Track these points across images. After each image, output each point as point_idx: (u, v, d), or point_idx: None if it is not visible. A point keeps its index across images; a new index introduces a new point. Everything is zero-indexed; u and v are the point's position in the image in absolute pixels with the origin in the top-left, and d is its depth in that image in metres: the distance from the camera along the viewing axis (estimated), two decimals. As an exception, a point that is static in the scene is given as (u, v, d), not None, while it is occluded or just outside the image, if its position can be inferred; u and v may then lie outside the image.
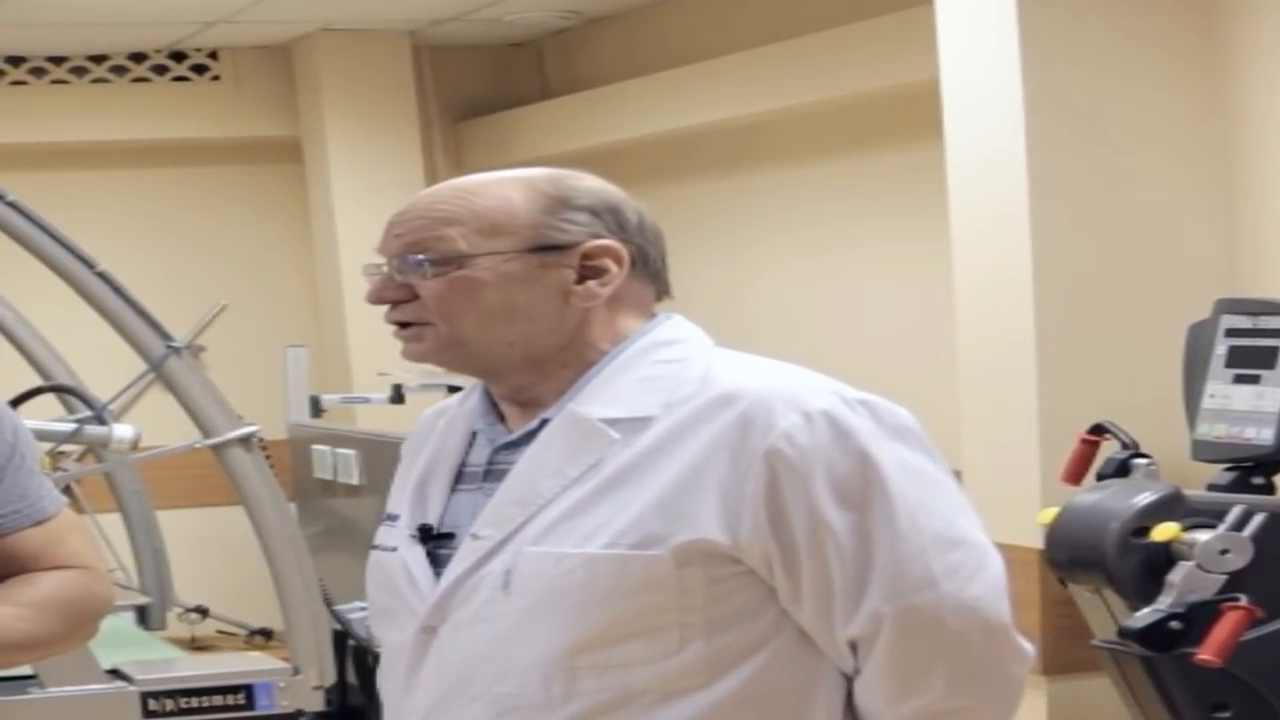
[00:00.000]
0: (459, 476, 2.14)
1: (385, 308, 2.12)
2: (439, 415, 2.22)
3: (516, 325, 2.05)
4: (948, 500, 2.03)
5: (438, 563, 2.09)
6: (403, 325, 2.09)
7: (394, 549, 2.14)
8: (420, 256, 2.05)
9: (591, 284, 2.06)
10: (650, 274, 2.11)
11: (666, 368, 2.06)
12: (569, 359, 2.08)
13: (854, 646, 2.01)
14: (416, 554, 2.11)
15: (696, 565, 1.97)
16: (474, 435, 2.15)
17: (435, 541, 2.11)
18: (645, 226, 2.11)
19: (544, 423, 2.07)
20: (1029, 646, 2.05)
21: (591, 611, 1.98)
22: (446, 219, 2.06)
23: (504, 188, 2.08)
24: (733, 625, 2.00)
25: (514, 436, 2.10)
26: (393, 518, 2.18)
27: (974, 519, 2.04)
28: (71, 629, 2.46)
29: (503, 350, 2.06)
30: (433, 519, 2.12)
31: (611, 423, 2.03)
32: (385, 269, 2.09)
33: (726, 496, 1.97)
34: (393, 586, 2.13)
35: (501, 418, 2.13)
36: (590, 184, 2.10)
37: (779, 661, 2.01)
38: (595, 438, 2.03)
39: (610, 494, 2.01)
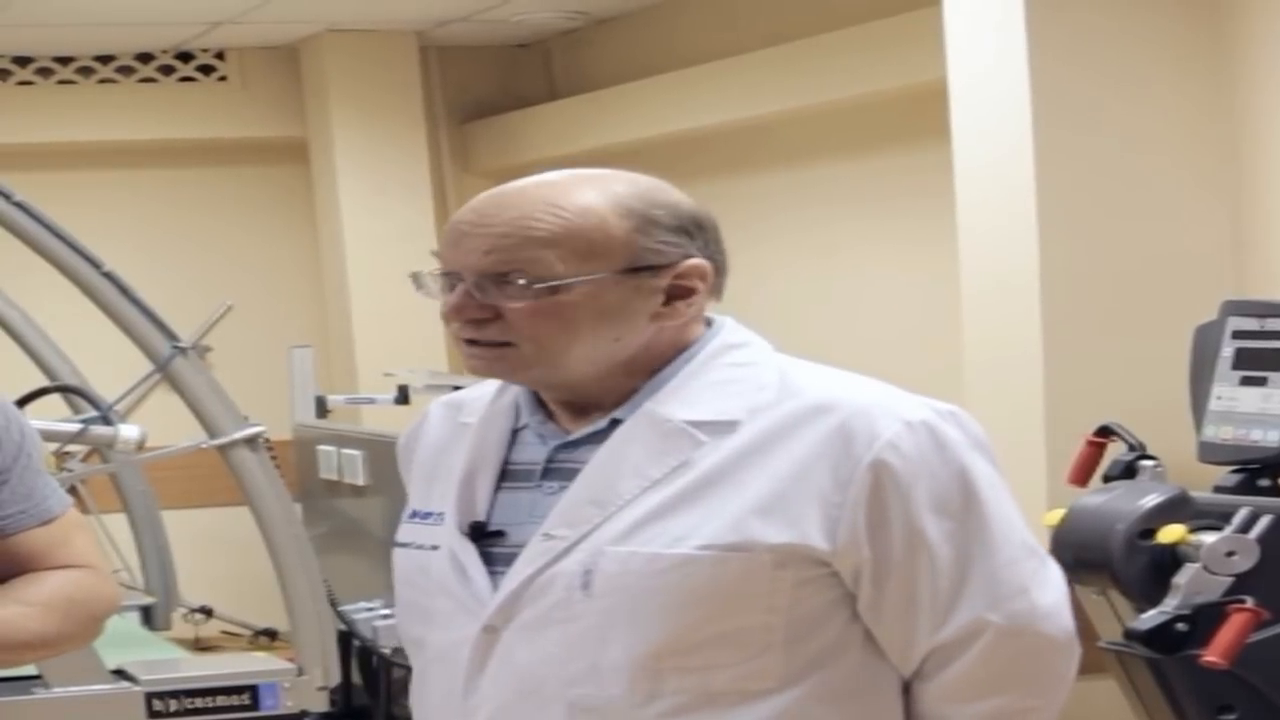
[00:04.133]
0: (503, 474, 2.09)
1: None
2: (455, 410, 2.17)
3: (602, 346, 2.01)
4: (1016, 512, 2.07)
5: (490, 562, 2.05)
6: (473, 342, 2.03)
7: (435, 547, 2.09)
8: (521, 280, 1.98)
9: (679, 304, 2.04)
10: (718, 285, 2.09)
11: (739, 371, 2.05)
12: (633, 369, 2.05)
13: (932, 653, 2.02)
14: (470, 552, 2.06)
15: (791, 568, 1.97)
16: (513, 433, 2.10)
17: (484, 540, 2.06)
18: (719, 238, 2.10)
19: (613, 423, 2.04)
20: (1078, 647, 2.09)
21: (681, 613, 1.96)
22: (543, 239, 1.99)
23: (594, 202, 2.01)
24: (811, 628, 2.00)
25: (577, 436, 2.06)
26: (423, 515, 2.12)
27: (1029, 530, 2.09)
28: (78, 628, 2.46)
29: (580, 368, 2.02)
30: (480, 517, 2.07)
31: (696, 425, 2.01)
32: (463, 284, 2.01)
33: (826, 503, 1.97)
34: (438, 586, 2.07)
35: (549, 415, 2.09)
36: (676, 199, 2.06)
37: (849, 665, 2.02)
38: (680, 440, 2.01)
39: (701, 496, 1.99)
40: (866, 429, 1.98)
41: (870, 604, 2.00)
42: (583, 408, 2.07)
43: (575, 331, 2.00)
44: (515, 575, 2.02)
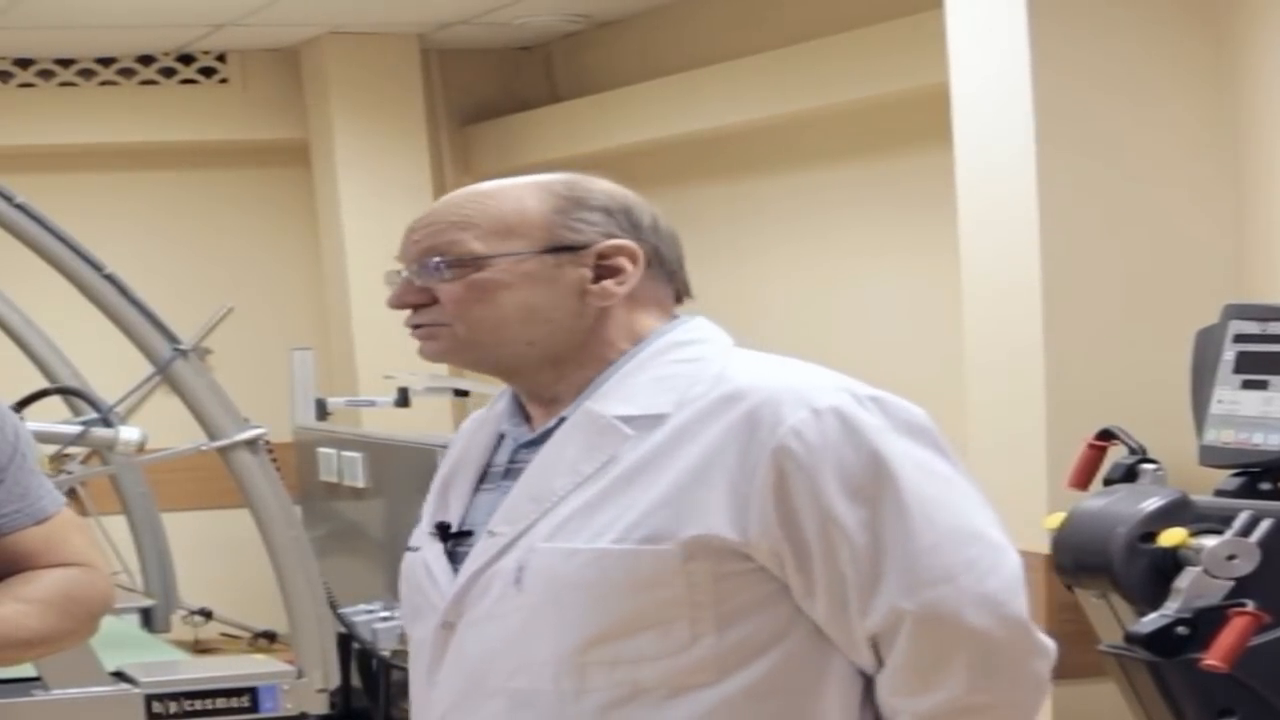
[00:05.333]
0: (483, 476, 2.16)
1: (392, 311, 2.14)
2: (477, 422, 2.24)
3: (534, 326, 2.07)
4: (962, 496, 2.03)
5: (457, 560, 2.11)
6: (418, 326, 2.11)
7: (418, 549, 2.17)
8: (437, 259, 2.06)
9: (608, 283, 2.08)
10: (667, 274, 2.13)
11: (683, 367, 2.08)
12: (587, 359, 2.09)
13: (874, 642, 2.01)
14: (435, 551, 2.13)
15: (704, 560, 1.98)
16: (500, 437, 2.17)
17: (455, 540, 2.13)
18: (659, 228, 2.13)
19: (561, 421, 2.09)
20: (1050, 643, 2.05)
21: (602, 607, 2.00)
22: (461, 223, 2.08)
23: (518, 190, 2.10)
24: (743, 621, 2.00)
25: (533, 435, 2.12)
26: (420, 519, 2.21)
27: (990, 516, 2.05)
28: (74, 625, 2.48)
29: (521, 350, 2.08)
30: (454, 518, 2.14)
31: (626, 420, 2.05)
32: (404, 275, 2.11)
33: (734, 493, 1.98)
34: (417, 585, 2.16)
35: (528, 418, 2.15)
36: (603, 186, 2.13)
37: (791, 659, 2.02)
38: (610, 435, 2.05)
39: (622, 490, 2.02)
40: (771, 416, 1.99)
41: (803, 593, 2.00)
42: (549, 404, 2.12)
43: (501, 310, 2.06)
44: (464, 572, 2.09)
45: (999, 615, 1.99)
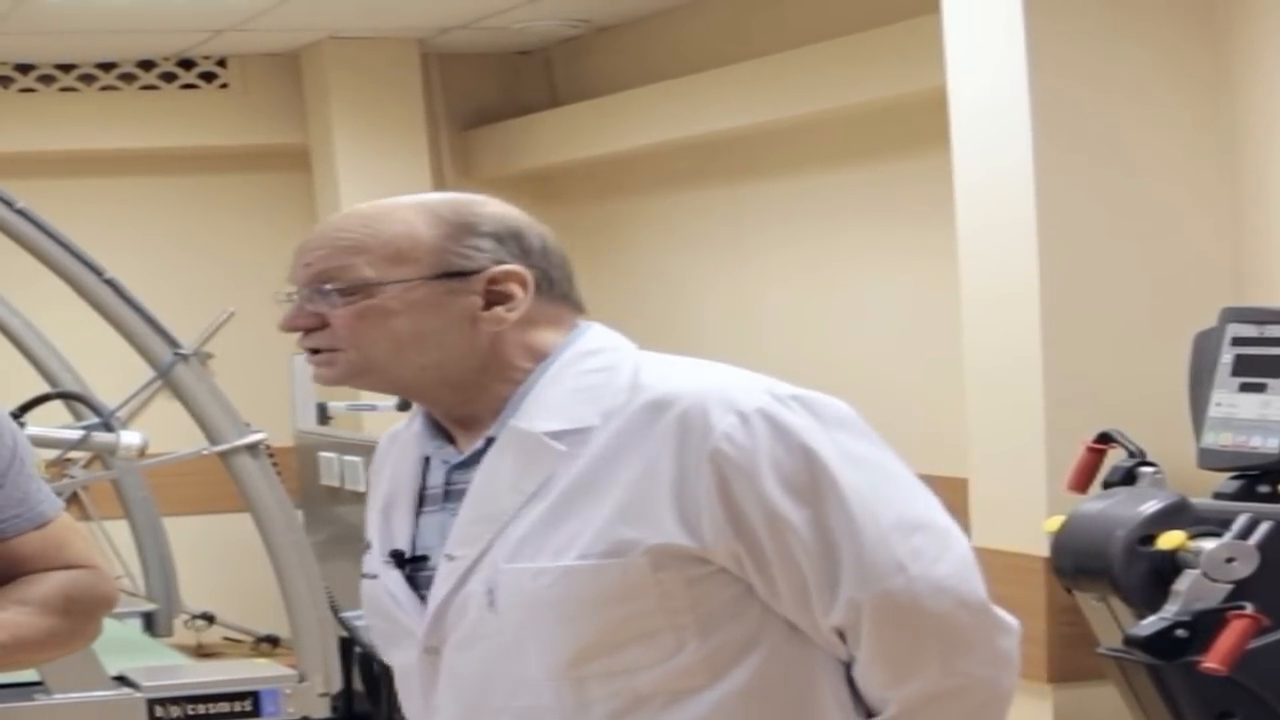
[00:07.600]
0: (422, 500, 2.15)
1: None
2: (392, 442, 2.23)
3: (427, 351, 2.06)
4: (899, 486, 2.05)
5: (418, 585, 2.11)
6: (314, 351, 2.10)
7: (375, 576, 2.17)
8: (328, 286, 2.06)
9: (499, 309, 2.07)
10: (559, 295, 2.12)
11: (595, 377, 2.07)
12: (489, 380, 2.09)
13: (841, 635, 2.03)
14: (396, 578, 2.13)
15: (672, 568, 1.99)
16: (427, 459, 2.16)
17: (411, 565, 2.12)
18: (549, 250, 2.12)
19: (489, 441, 2.08)
20: (1012, 619, 2.07)
21: (581, 622, 2.00)
22: (352, 247, 2.07)
23: (406, 214, 2.09)
24: (723, 623, 2.01)
25: (464, 457, 2.11)
26: (368, 545, 2.21)
27: (931, 501, 2.06)
28: (78, 626, 2.49)
29: (415, 373, 2.08)
30: (403, 543, 2.14)
31: (555, 435, 2.04)
32: (296, 298, 2.10)
33: (681, 499, 1.99)
34: (382, 612, 2.15)
35: (450, 438, 2.14)
36: (492, 210, 2.11)
37: (777, 655, 2.03)
38: (542, 452, 2.04)
39: (570, 507, 2.02)
40: (700, 422, 2.00)
41: (767, 592, 2.02)
42: (468, 424, 2.11)
43: (393, 336, 2.06)
44: (434, 598, 2.09)
45: (956, 599, 2.01)
